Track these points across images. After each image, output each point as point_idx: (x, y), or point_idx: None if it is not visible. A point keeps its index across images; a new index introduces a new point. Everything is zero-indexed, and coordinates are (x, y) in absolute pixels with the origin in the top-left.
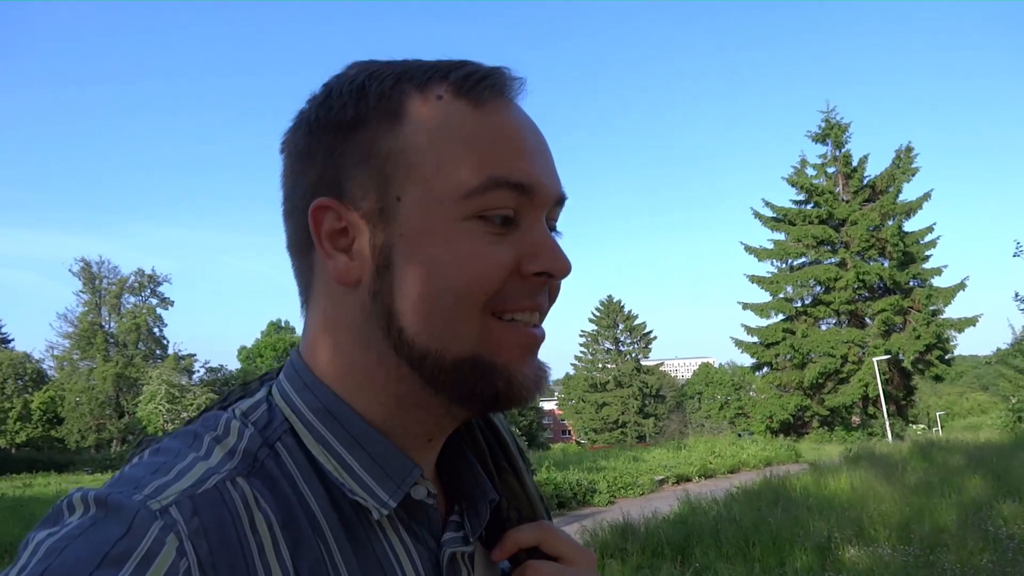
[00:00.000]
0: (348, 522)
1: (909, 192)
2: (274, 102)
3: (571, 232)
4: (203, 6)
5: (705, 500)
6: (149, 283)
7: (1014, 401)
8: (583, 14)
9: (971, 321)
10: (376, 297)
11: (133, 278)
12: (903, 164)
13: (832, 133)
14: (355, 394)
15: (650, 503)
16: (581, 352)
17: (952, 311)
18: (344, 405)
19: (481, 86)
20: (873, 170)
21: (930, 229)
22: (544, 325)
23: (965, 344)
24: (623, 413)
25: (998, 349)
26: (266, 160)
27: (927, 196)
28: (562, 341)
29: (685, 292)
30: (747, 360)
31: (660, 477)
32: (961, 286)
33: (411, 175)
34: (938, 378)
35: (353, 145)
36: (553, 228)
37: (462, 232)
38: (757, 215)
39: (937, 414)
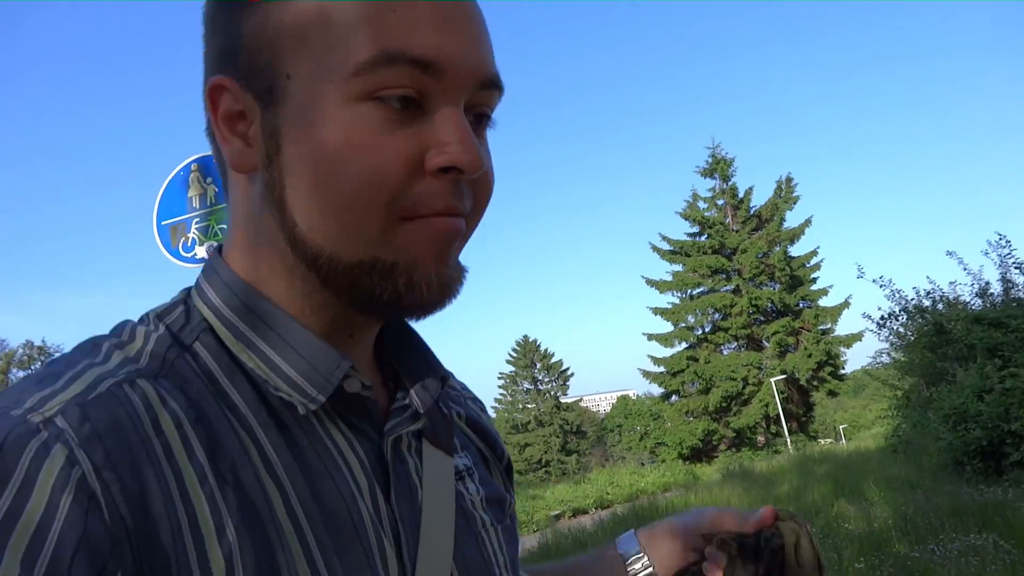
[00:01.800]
0: (278, 418)
1: (792, 219)
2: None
3: (485, 269)
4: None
5: (575, 530)
6: (39, 355)
7: (885, 409)
8: None
9: (857, 337)
10: (269, 187)
11: (21, 351)
12: (784, 194)
13: (719, 167)
14: (271, 290)
15: (533, 539)
16: (500, 394)
17: (840, 328)
18: (266, 301)
19: None
20: (758, 200)
21: (814, 253)
22: (458, 369)
23: (860, 359)
24: (546, 452)
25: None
26: None
27: (808, 222)
28: (481, 386)
29: (598, 327)
30: (659, 390)
31: (556, 512)
32: (845, 304)
33: (301, 50)
34: (832, 393)
35: (251, 15)
36: (485, 117)
37: (354, 116)
38: (655, 249)
39: (840, 427)
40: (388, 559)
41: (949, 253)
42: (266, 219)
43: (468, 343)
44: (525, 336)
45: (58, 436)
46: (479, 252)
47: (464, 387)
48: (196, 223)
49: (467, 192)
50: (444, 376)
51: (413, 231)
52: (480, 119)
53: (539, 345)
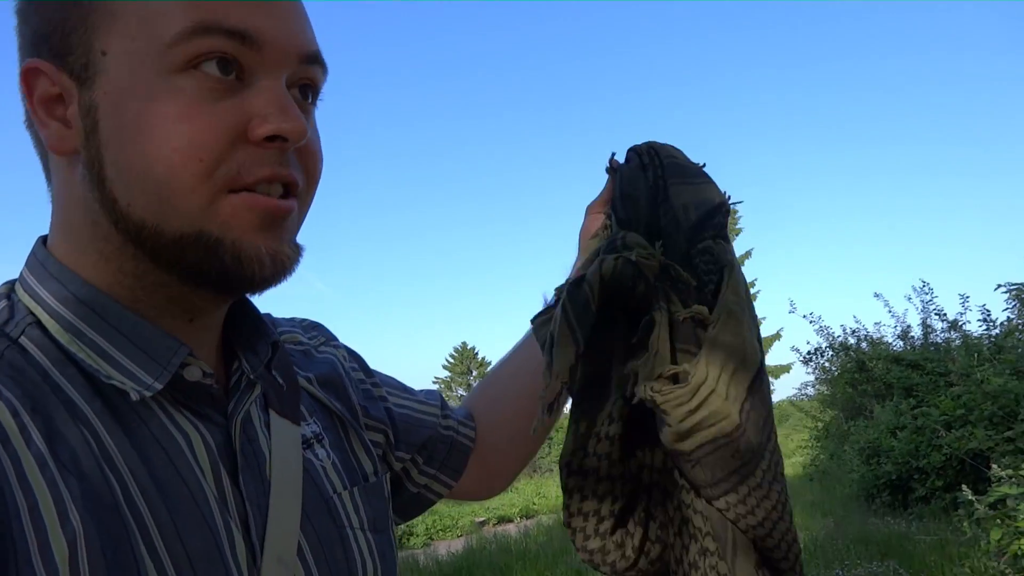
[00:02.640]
0: (113, 407)
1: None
2: None
3: (425, 271)
4: None
5: (500, 536)
6: None
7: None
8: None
9: (785, 368)
10: (89, 165)
11: None
12: (728, 224)
13: None
14: (100, 277)
15: (459, 543)
16: None
17: (770, 359)
18: (93, 289)
19: None
20: None
21: (752, 284)
22: (396, 371)
23: (786, 390)
24: None
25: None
26: None
27: (748, 254)
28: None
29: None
30: None
31: (481, 519)
32: (777, 336)
33: (116, 24)
34: None
35: (65, 2)
36: (312, 94)
37: (171, 89)
38: None
39: None
40: (236, 542)
41: (877, 295)
42: (89, 200)
43: (405, 345)
44: (463, 343)
45: None
46: (420, 253)
47: (314, 332)
48: None
49: (295, 164)
50: (275, 341)
51: (239, 205)
52: (305, 93)
53: (476, 352)
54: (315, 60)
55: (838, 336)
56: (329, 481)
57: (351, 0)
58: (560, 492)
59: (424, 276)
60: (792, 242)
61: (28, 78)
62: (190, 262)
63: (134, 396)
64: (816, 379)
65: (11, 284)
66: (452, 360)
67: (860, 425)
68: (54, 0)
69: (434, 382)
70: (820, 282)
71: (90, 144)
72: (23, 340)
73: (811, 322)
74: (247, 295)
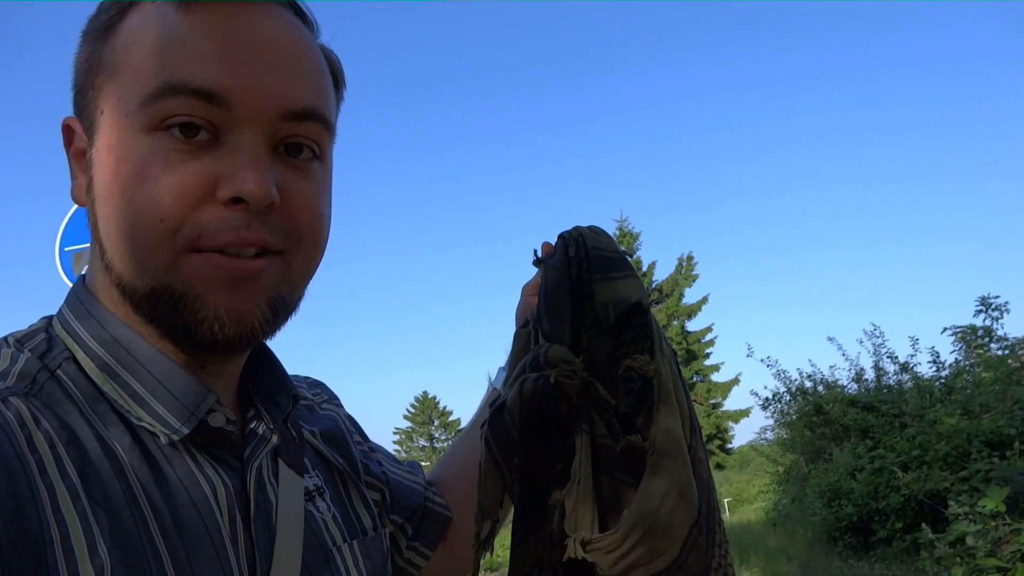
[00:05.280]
0: (142, 443)
1: (690, 295)
2: None
3: (384, 320)
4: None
5: None
6: None
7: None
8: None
9: (745, 412)
10: (90, 218)
11: None
12: (685, 271)
13: (625, 241)
14: (126, 320)
15: None
16: (395, 450)
17: (729, 404)
18: (129, 332)
19: None
20: (660, 275)
21: (709, 329)
22: (360, 418)
23: (747, 434)
24: None
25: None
26: None
27: (705, 300)
28: (376, 440)
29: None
30: None
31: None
32: (736, 381)
33: (112, 84)
34: (720, 466)
35: (85, 57)
36: (300, 148)
37: (140, 149)
38: None
39: (725, 500)
40: None
41: (830, 339)
42: (98, 256)
43: (365, 394)
44: (424, 392)
45: None
46: (378, 301)
47: (318, 389)
48: None
49: (272, 225)
50: (295, 395)
51: (200, 263)
52: (293, 150)
53: (438, 402)
54: (304, 116)
55: (795, 380)
56: (329, 534)
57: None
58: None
59: (382, 321)
60: (748, 282)
61: (65, 133)
62: (160, 316)
63: (164, 440)
64: (775, 423)
65: (49, 319)
66: (413, 410)
67: (820, 468)
68: (81, 61)
69: (394, 433)
70: (776, 322)
71: (89, 199)
72: (59, 373)
73: (768, 366)
74: (225, 355)
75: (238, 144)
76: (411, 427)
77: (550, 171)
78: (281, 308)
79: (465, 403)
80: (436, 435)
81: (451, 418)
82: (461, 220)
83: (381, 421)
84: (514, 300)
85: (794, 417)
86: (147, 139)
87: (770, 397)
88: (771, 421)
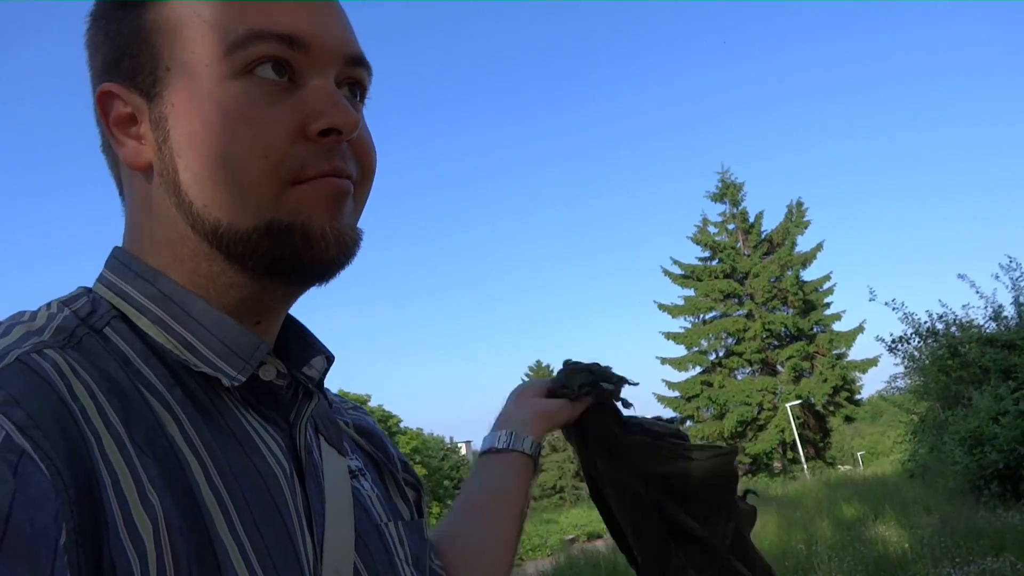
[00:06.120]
0: (194, 395)
1: (803, 244)
2: None
3: (497, 294)
4: None
5: (589, 553)
6: None
7: (899, 436)
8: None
9: (873, 362)
10: (163, 174)
11: None
12: (795, 218)
13: (728, 192)
14: (181, 277)
15: (547, 563)
16: None
17: (855, 353)
18: (179, 287)
19: None
20: (769, 225)
21: (827, 277)
22: (473, 396)
23: (877, 384)
24: (560, 478)
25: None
26: None
27: (820, 247)
28: (494, 414)
29: (612, 350)
30: (673, 414)
31: (570, 536)
32: (860, 329)
33: (177, 41)
34: (849, 419)
35: (128, 23)
36: (359, 95)
37: (232, 93)
38: (667, 273)
39: (858, 454)
40: (305, 540)
41: (961, 276)
42: (165, 208)
43: (481, 368)
44: (538, 361)
45: None
46: (493, 274)
47: (342, 399)
48: None
49: (349, 156)
50: (329, 355)
51: (304, 192)
52: (353, 91)
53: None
54: (360, 62)
55: (924, 322)
56: (376, 510)
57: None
58: None
59: (498, 293)
60: (866, 225)
61: (103, 101)
62: (262, 253)
63: (226, 382)
64: (906, 369)
65: (87, 288)
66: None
67: (959, 414)
68: (120, 27)
69: None
70: (899, 268)
71: (163, 154)
72: (107, 331)
73: (894, 309)
74: (318, 281)
75: (317, 84)
76: None
77: (644, 127)
78: (358, 236)
79: None
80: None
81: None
82: (553, 183)
83: (498, 392)
84: (620, 261)
85: (926, 362)
86: (236, 83)
87: (896, 341)
88: (901, 369)
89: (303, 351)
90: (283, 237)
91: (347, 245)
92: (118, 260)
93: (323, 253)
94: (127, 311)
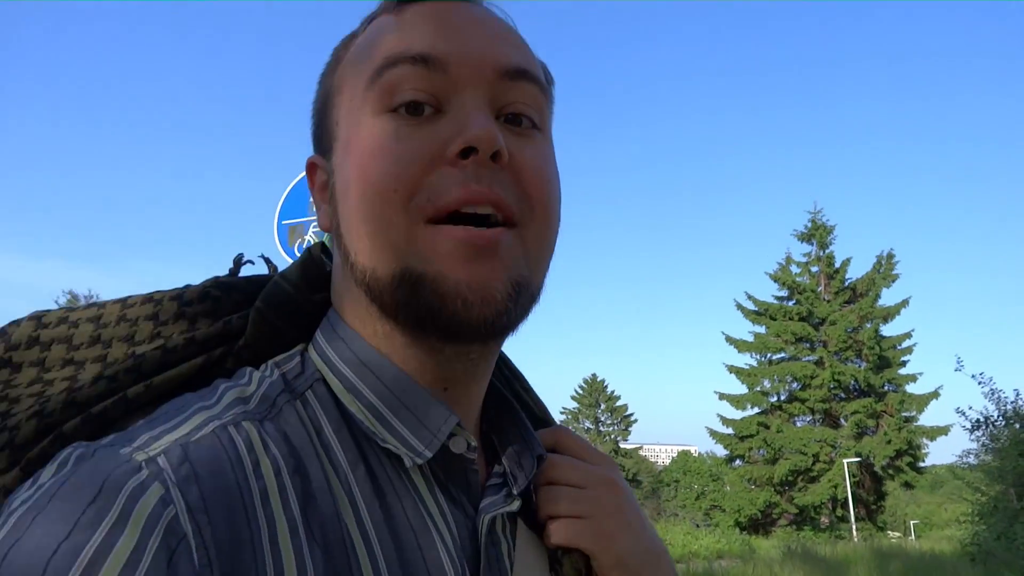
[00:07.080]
0: (375, 476)
1: (888, 297)
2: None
3: (560, 308)
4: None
5: None
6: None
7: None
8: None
9: (943, 430)
10: (334, 227)
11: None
12: (884, 270)
13: (817, 234)
14: (372, 339)
15: None
16: None
17: (925, 419)
18: (374, 352)
19: (416, 1)
20: (855, 273)
21: (908, 335)
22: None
23: (943, 454)
24: None
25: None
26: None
27: (905, 303)
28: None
29: (668, 376)
30: (723, 451)
31: None
32: (935, 395)
33: (340, 98)
34: (908, 485)
35: (319, 93)
36: (517, 114)
37: (373, 129)
38: (740, 307)
39: (911, 523)
40: None
41: None
42: (346, 267)
43: (532, 372)
44: (593, 375)
45: (157, 475)
46: (557, 281)
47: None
48: (313, 227)
49: (502, 182)
50: (540, 455)
51: (437, 236)
52: (512, 120)
53: (606, 386)
54: (518, 75)
55: (1011, 401)
56: None
57: None
58: (687, 540)
59: (554, 305)
60: (960, 288)
61: (310, 173)
62: (403, 304)
63: (408, 463)
64: (983, 447)
65: (305, 344)
66: (581, 391)
67: None
68: (316, 98)
69: (561, 412)
70: (991, 336)
71: (331, 207)
72: (308, 394)
73: (980, 383)
74: (477, 341)
75: (457, 104)
76: (578, 408)
77: (737, 164)
78: (523, 290)
79: (632, 390)
80: (602, 419)
81: (618, 403)
82: (654, 209)
83: (548, 400)
84: (693, 287)
85: (1007, 444)
86: (377, 121)
87: (981, 420)
88: (976, 444)
89: (515, 442)
90: (417, 289)
91: (496, 301)
92: (328, 320)
93: (462, 312)
94: (327, 375)
